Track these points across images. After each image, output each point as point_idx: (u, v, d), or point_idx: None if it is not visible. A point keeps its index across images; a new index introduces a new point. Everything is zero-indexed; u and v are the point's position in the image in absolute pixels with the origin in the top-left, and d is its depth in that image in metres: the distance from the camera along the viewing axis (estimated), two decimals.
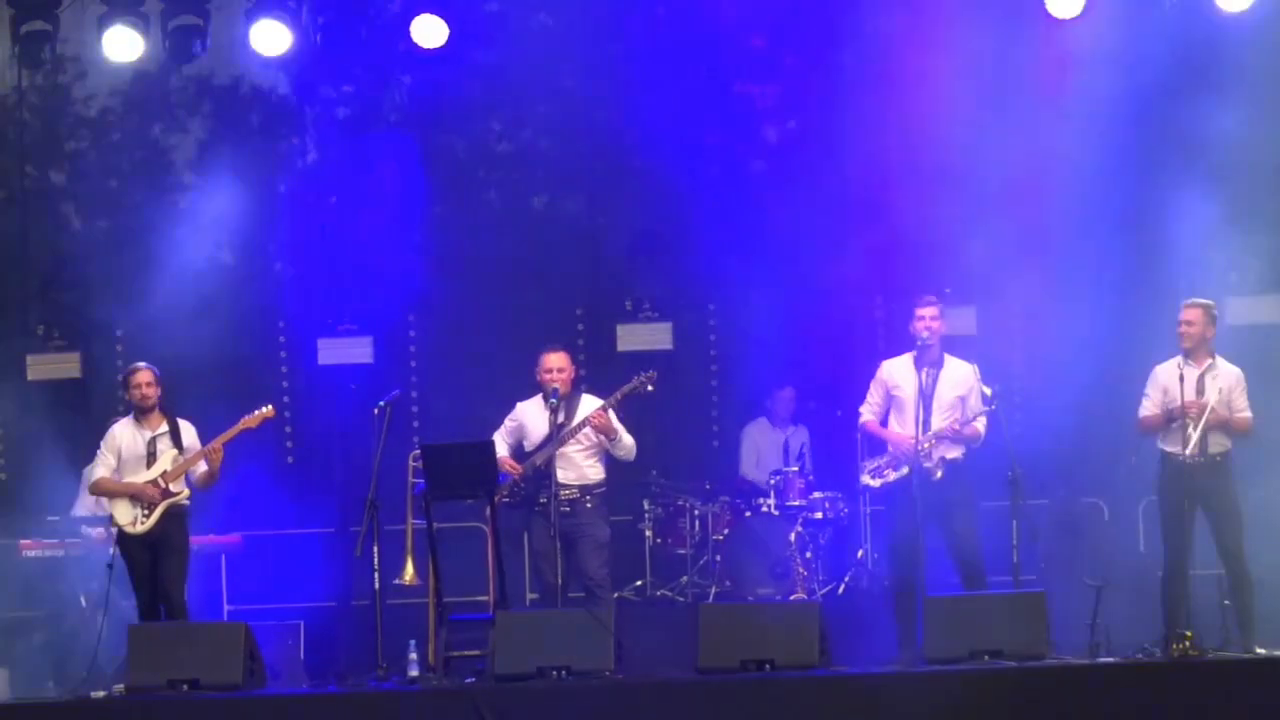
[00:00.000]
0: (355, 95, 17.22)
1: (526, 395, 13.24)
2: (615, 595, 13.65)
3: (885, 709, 11.35)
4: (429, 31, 15.25)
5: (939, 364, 12.72)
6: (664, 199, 16.39)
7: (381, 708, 11.82)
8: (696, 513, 15.31)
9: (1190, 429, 12.51)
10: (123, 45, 15.18)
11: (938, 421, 12.60)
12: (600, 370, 14.84)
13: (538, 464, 12.96)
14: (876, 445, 13.14)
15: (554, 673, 11.74)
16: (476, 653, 12.48)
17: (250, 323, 16.74)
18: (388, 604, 12.96)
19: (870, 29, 15.29)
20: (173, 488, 12.80)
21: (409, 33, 15.26)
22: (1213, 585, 12.76)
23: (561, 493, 12.84)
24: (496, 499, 12.74)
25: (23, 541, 14.61)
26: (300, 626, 14.54)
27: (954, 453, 12.62)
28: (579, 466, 13.02)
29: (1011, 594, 12.20)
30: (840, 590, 14.91)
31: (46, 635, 14.35)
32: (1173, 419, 12.61)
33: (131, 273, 16.36)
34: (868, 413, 12.92)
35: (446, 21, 15.21)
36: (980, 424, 12.61)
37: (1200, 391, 12.55)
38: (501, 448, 13.07)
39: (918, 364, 12.73)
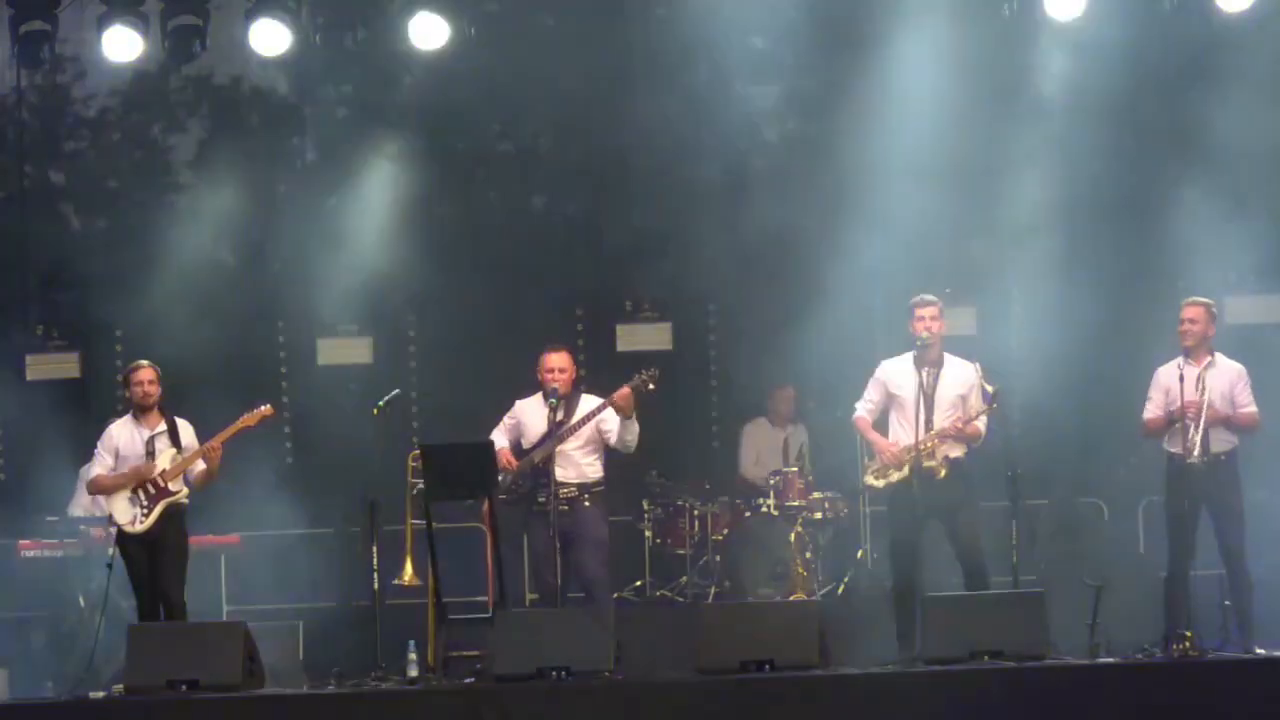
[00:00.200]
0: (355, 95, 17.21)
1: (526, 395, 13.23)
2: (615, 595, 13.65)
3: (885, 709, 11.36)
4: (429, 31, 15.23)
5: (940, 363, 12.71)
6: (664, 199, 16.39)
7: (381, 708, 11.82)
8: (696, 513, 15.30)
9: (1191, 430, 12.51)
10: (122, 45, 15.16)
11: (940, 421, 12.59)
12: (600, 370, 14.83)
13: (535, 462, 12.96)
14: None
15: (554, 673, 11.73)
16: (476, 653, 12.48)
17: (250, 323, 16.73)
18: (387, 604, 12.97)
19: (870, 29, 15.27)
20: (171, 486, 12.80)
21: (409, 33, 15.24)
22: (1213, 585, 12.76)
23: (560, 492, 12.83)
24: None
25: (22, 542, 14.62)
26: (300, 626, 14.54)
27: (956, 451, 12.61)
28: (578, 465, 13.01)
29: (1011, 594, 12.20)
30: (840, 590, 14.91)
31: (46, 635, 14.34)
32: (1174, 420, 12.61)
33: (131, 273, 16.35)
34: (862, 410, 12.90)
35: (446, 22, 15.20)
36: (981, 423, 12.60)
37: (1200, 390, 12.55)
38: (501, 443, 13.07)
39: (918, 364, 12.72)
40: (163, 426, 12.93)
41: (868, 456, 13.30)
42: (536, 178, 17.38)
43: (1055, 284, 15.33)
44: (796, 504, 14.94)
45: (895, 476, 12.63)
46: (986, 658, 11.61)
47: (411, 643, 12.43)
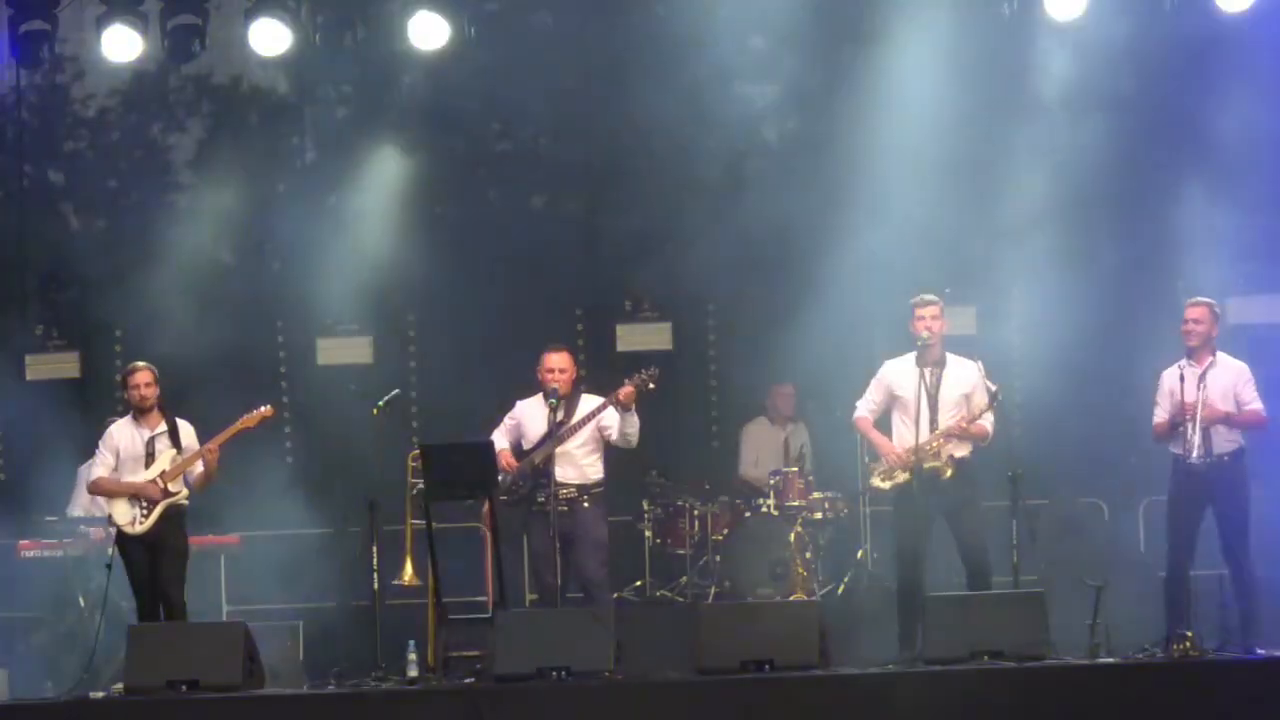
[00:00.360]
0: (355, 95, 17.21)
1: (526, 395, 13.23)
2: (615, 595, 13.65)
3: (885, 709, 11.35)
4: (429, 31, 15.23)
5: (942, 363, 12.70)
6: (664, 199, 16.39)
7: (381, 708, 11.82)
8: (696, 513, 15.30)
9: (1190, 430, 12.51)
10: (121, 45, 15.15)
11: (944, 421, 12.58)
12: (600, 370, 14.83)
13: (536, 462, 12.95)
14: None
15: (554, 673, 11.73)
16: (476, 653, 12.48)
17: (250, 323, 16.72)
18: (387, 604, 12.96)
19: (870, 28, 15.27)
20: (171, 487, 12.80)
21: (409, 32, 15.24)
22: (1213, 585, 12.76)
23: (560, 492, 12.83)
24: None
25: (22, 542, 14.61)
26: (300, 626, 14.54)
27: (962, 451, 12.60)
28: (579, 465, 13.00)
29: (1011, 594, 12.20)
30: (840, 590, 14.90)
31: (46, 635, 14.33)
32: (1177, 422, 12.60)
33: (130, 272, 16.35)
34: (864, 410, 12.89)
35: (446, 21, 15.19)
36: (988, 421, 12.58)
37: (1199, 390, 12.54)
38: (501, 445, 13.07)
39: (920, 364, 12.71)
40: (163, 427, 12.92)
41: (869, 457, 13.30)
42: (536, 178, 17.37)
43: (1055, 283, 15.32)
44: (796, 504, 14.94)
45: (901, 478, 12.61)
46: (986, 658, 11.61)
47: (411, 643, 12.42)
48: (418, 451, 13.07)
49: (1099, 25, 14.85)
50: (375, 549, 12.79)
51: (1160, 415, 12.77)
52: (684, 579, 15.25)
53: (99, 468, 12.96)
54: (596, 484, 13.05)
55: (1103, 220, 15.75)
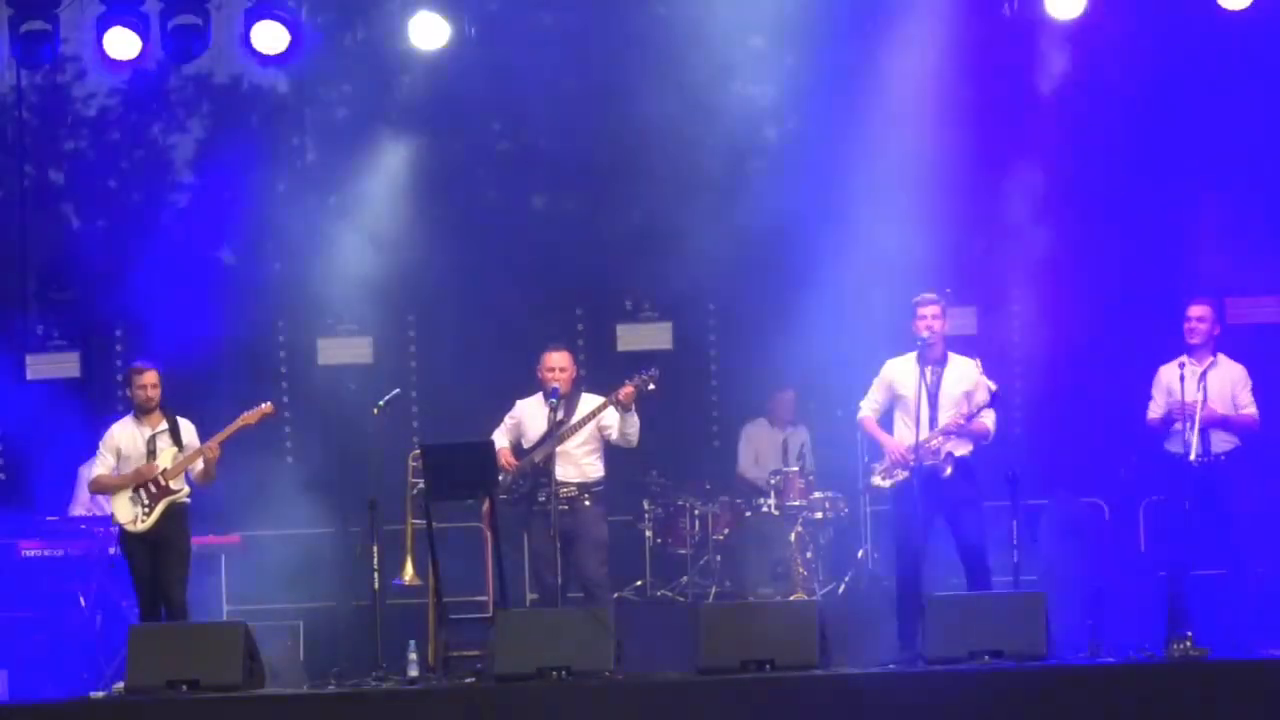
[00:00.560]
0: (355, 95, 17.21)
1: (527, 395, 13.23)
2: (615, 595, 13.65)
3: (885, 709, 11.34)
4: (429, 31, 15.23)
5: (943, 362, 12.70)
6: (664, 199, 16.38)
7: (381, 708, 11.81)
8: (696, 513, 15.31)
9: (1188, 430, 12.51)
10: (122, 45, 15.15)
11: (944, 419, 12.59)
12: (600, 370, 14.83)
13: (536, 461, 12.95)
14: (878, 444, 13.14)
15: (554, 673, 11.73)
16: (476, 653, 12.48)
17: (250, 323, 16.72)
18: (387, 604, 12.96)
19: (870, 29, 15.27)
20: (173, 485, 12.80)
21: (409, 32, 15.24)
22: (1213, 585, 12.76)
23: (560, 491, 12.83)
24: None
25: (22, 541, 14.61)
26: (300, 626, 14.54)
27: (962, 450, 12.59)
28: (579, 464, 13.00)
29: (1011, 594, 12.20)
30: (840, 590, 14.90)
31: (46, 635, 14.34)
32: (1173, 419, 12.61)
33: (131, 272, 16.35)
34: (867, 409, 12.90)
35: (446, 21, 15.19)
36: (989, 419, 12.58)
37: (1200, 390, 12.54)
38: (501, 443, 13.07)
39: (921, 363, 12.72)
40: (164, 425, 12.93)
41: (870, 457, 13.30)
42: (536, 177, 17.36)
43: (1056, 283, 15.32)
44: (796, 504, 14.95)
45: (901, 476, 12.61)
46: (987, 658, 11.61)
47: (412, 643, 12.43)
48: (418, 451, 13.07)
49: (1099, 24, 14.85)
50: (375, 549, 12.79)
51: (1155, 410, 12.79)
52: (684, 579, 15.26)
53: (100, 467, 12.96)
54: (597, 483, 13.05)
55: (1103, 220, 15.75)
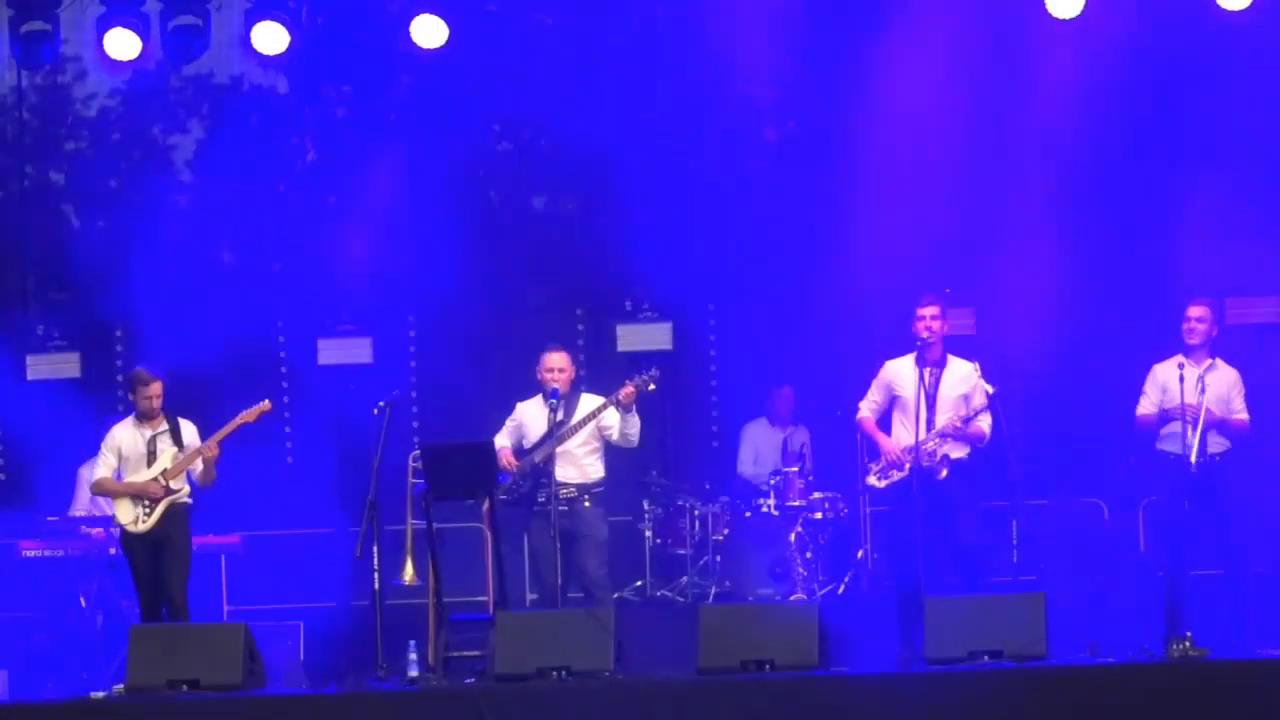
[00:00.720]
0: (355, 95, 17.22)
1: (526, 395, 13.24)
2: (615, 595, 13.65)
3: (885, 709, 11.34)
4: (429, 31, 15.23)
5: (942, 363, 12.71)
6: (664, 199, 16.38)
7: (381, 708, 11.81)
8: (696, 513, 15.30)
9: (1189, 432, 12.51)
10: (122, 45, 15.14)
11: (942, 421, 12.59)
12: (600, 370, 14.84)
13: (536, 461, 12.96)
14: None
15: (554, 673, 11.73)
16: (476, 653, 12.48)
17: (250, 322, 16.72)
18: (387, 604, 12.95)
19: (870, 28, 15.28)
20: (173, 485, 12.81)
21: (409, 33, 15.24)
22: (1213, 585, 12.76)
23: (561, 492, 12.83)
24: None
25: (23, 542, 14.61)
26: (300, 626, 14.54)
27: (958, 452, 12.60)
28: (580, 464, 13.01)
29: (1011, 594, 12.20)
30: (840, 590, 14.90)
31: (46, 635, 14.34)
32: (1169, 418, 12.60)
33: (131, 272, 16.35)
34: (866, 409, 12.92)
35: (446, 21, 15.20)
36: (985, 423, 12.58)
37: (1201, 391, 12.54)
38: (502, 443, 13.08)
39: (920, 364, 12.72)
40: (164, 426, 12.94)
41: (869, 457, 13.30)
42: (536, 178, 17.37)
43: (1055, 283, 15.32)
44: (796, 504, 14.95)
45: (896, 477, 12.63)
46: (987, 658, 11.61)
47: (412, 643, 12.42)
48: (418, 451, 13.08)
49: (1098, 25, 14.85)
50: (375, 549, 12.79)
51: (1148, 407, 12.79)
52: (684, 579, 15.25)
53: (101, 469, 12.96)
54: (597, 483, 13.06)
55: (1102, 220, 15.75)
